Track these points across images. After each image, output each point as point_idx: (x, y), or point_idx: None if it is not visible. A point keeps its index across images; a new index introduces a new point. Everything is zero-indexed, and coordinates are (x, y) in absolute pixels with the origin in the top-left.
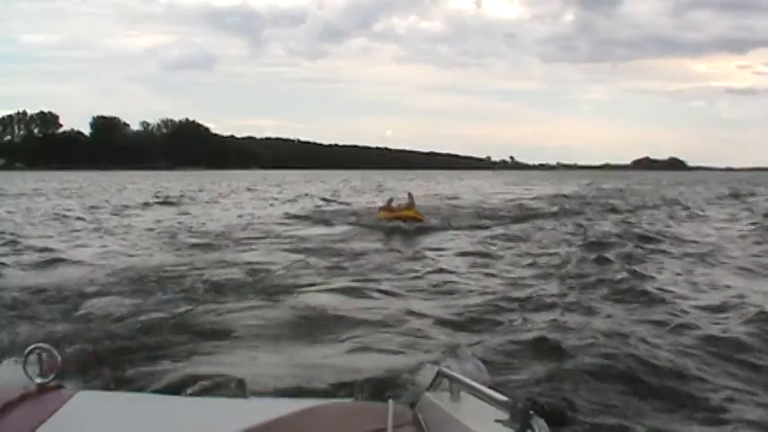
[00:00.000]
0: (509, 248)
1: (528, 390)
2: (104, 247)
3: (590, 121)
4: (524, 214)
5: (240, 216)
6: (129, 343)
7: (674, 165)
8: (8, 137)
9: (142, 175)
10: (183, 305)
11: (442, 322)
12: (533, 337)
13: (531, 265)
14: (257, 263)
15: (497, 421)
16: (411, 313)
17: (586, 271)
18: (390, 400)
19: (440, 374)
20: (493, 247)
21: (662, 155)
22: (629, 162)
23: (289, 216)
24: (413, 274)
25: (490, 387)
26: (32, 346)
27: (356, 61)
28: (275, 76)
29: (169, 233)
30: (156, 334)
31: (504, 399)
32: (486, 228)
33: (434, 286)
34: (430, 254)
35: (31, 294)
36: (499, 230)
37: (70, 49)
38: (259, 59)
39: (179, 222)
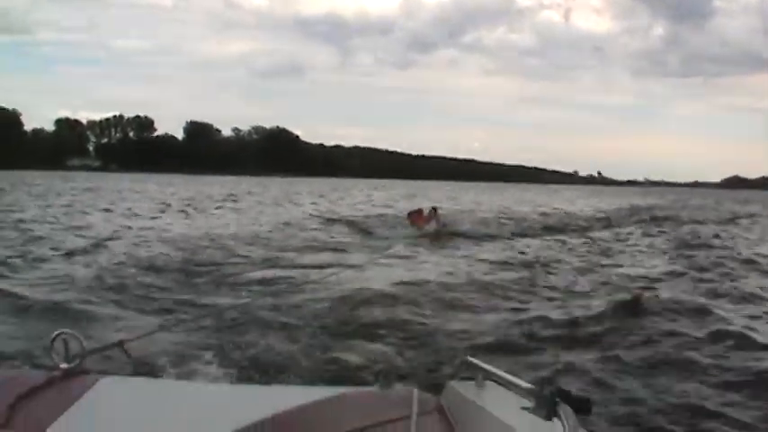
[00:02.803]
0: None
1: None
2: None
3: (679, 138)
4: None
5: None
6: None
7: (766, 184)
8: (105, 139)
9: (252, 180)
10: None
11: None
12: None
13: None
14: None
15: (523, 408)
16: None
17: None
18: (415, 389)
19: (464, 363)
20: None
21: (753, 174)
22: (718, 180)
23: None
24: None
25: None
26: (58, 332)
27: (444, 72)
28: (363, 86)
29: None
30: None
31: (530, 386)
32: None
33: None
34: None
35: None
36: None
37: (162, 55)
38: (347, 68)
39: None
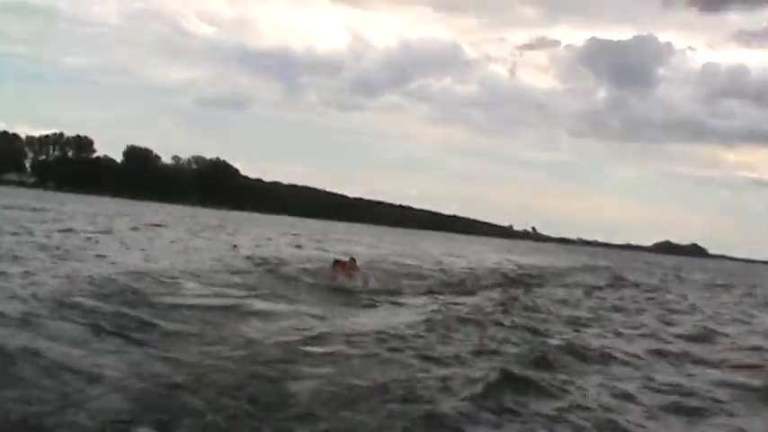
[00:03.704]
0: None
1: None
2: None
3: (615, 199)
4: None
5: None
6: None
7: (695, 251)
8: (43, 156)
9: (176, 209)
10: None
11: None
12: None
13: None
14: None
15: None
16: None
17: None
18: None
19: None
20: None
21: (684, 240)
22: (650, 244)
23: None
24: None
25: None
26: None
27: (388, 117)
28: (307, 124)
29: None
30: None
31: None
32: None
33: None
34: None
35: None
36: None
37: (108, 75)
38: (292, 105)
39: None
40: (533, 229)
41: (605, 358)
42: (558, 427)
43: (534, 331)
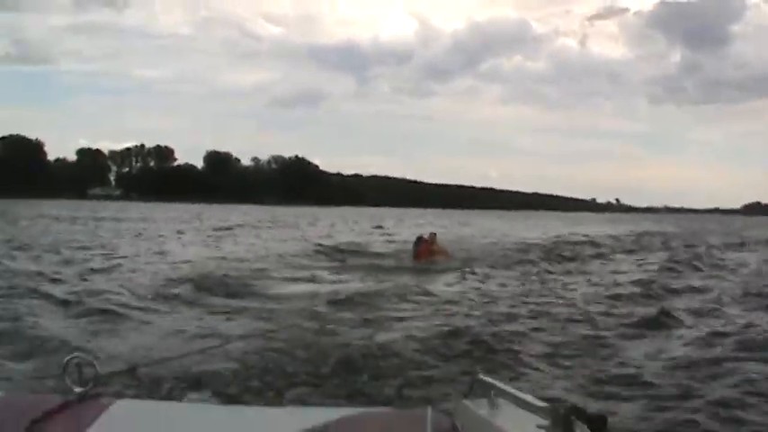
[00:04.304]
0: None
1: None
2: None
3: (698, 164)
4: None
5: None
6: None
7: None
8: (126, 168)
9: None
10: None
11: None
12: None
13: None
14: None
15: (539, 427)
16: None
17: None
18: (429, 408)
19: (477, 381)
20: None
21: None
22: (738, 206)
23: None
24: None
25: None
26: (71, 356)
27: (462, 101)
28: (381, 114)
29: None
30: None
31: (545, 405)
32: None
33: None
34: None
35: None
36: None
37: (182, 84)
38: (365, 97)
39: None
40: (617, 200)
41: None
42: None
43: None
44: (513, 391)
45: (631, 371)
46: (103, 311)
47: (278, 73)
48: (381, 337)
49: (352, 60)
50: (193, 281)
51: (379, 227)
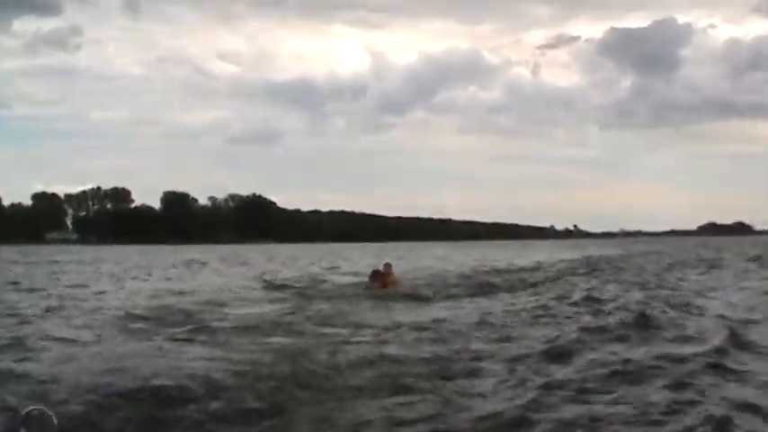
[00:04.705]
0: None
1: None
2: None
3: (652, 188)
4: None
5: None
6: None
7: (741, 229)
8: (83, 212)
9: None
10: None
11: None
12: None
13: None
14: None
15: None
16: None
17: None
18: None
19: None
20: None
21: (728, 219)
22: (694, 227)
23: None
24: None
25: None
26: (28, 409)
27: (418, 133)
28: (338, 149)
29: None
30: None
31: None
32: None
33: None
34: None
35: None
36: None
37: (137, 125)
38: (320, 133)
39: None
40: (575, 227)
41: None
42: None
43: None
44: None
45: None
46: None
47: (234, 111)
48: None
49: (307, 96)
50: (150, 315)
51: (337, 261)
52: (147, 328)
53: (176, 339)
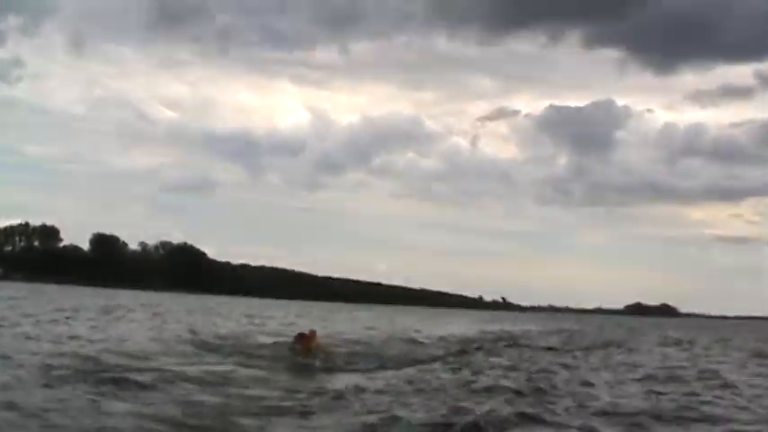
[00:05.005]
0: None
1: None
2: None
3: (583, 265)
4: None
5: None
6: None
7: (666, 311)
8: (9, 247)
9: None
10: None
11: None
12: None
13: None
14: None
15: None
16: None
17: None
18: None
19: None
20: None
21: (654, 300)
22: (621, 306)
23: None
24: None
25: None
26: None
27: (354, 194)
28: (272, 205)
29: None
30: None
31: None
32: None
33: None
34: None
35: None
36: None
37: (72, 163)
38: (257, 187)
39: None
40: (503, 299)
41: None
42: None
43: None
44: None
45: None
46: None
47: (171, 157)
48: None
49: (245, 149)
50: (70, 364)
51: (261, 318)
52: (66, 377)
53: (97, 393)
